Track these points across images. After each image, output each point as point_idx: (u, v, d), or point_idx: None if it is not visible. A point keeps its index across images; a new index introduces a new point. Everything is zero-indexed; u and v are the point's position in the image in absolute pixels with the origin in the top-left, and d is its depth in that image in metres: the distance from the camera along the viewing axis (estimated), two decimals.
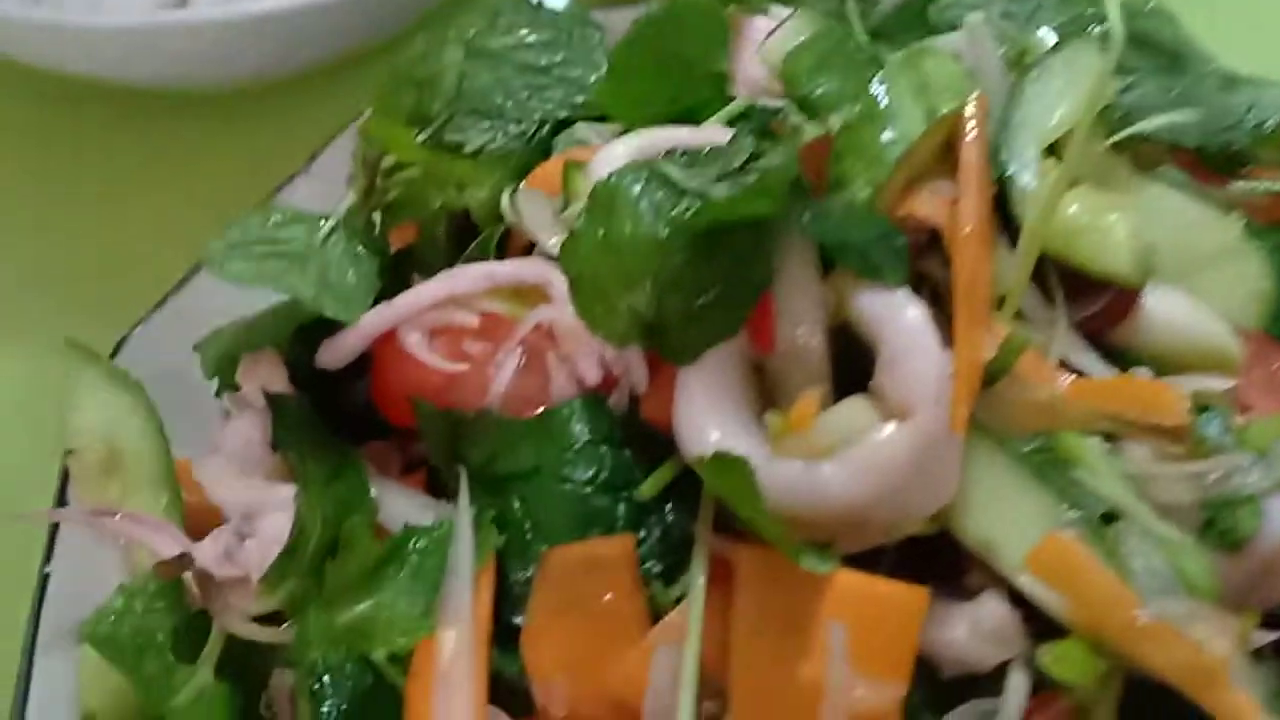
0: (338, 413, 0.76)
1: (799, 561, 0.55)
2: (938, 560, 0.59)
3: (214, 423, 0.80)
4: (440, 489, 0.71)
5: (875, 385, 0.58)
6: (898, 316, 0.58)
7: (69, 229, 1.06)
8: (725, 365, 0.61)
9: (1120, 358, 0.66)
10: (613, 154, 0.69)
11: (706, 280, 0.61)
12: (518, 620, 0.62)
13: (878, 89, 0.67)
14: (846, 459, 0.56)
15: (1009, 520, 0.58)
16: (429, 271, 0.75)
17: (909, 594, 0.56)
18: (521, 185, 0.75)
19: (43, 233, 1.06)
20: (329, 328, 0.74)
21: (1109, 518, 0.58)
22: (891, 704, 0.54)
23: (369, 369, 0.75)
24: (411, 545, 0.65)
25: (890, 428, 0.56)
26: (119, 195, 1.08)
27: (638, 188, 0.63)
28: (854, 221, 0.62)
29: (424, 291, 0.73)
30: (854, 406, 0.57)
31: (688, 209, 0.60)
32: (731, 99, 0.78)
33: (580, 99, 0.83)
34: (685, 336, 0.62)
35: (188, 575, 0.68)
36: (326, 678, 0.63)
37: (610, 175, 0.63)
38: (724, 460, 0.55)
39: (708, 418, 0.59)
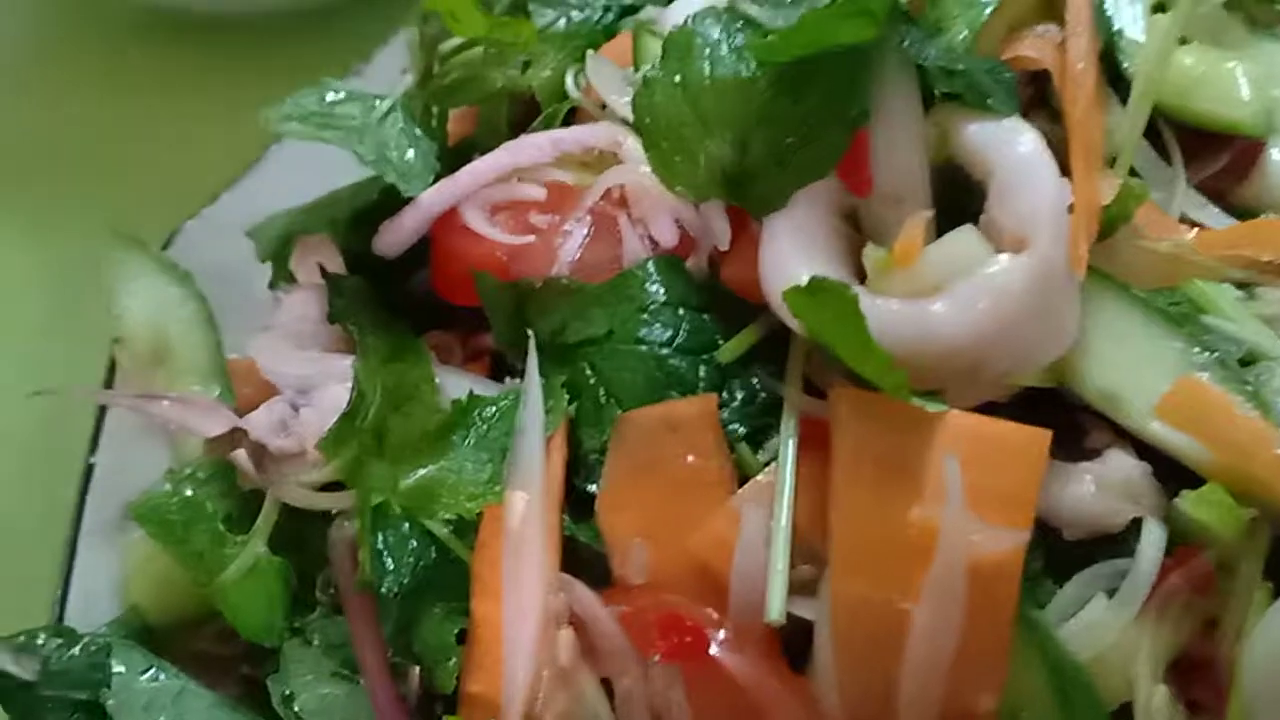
0: (396, 306, 0.72)
1: (907, 398, 0.50)
2: (1054, 423, 0.54)
3: (266, 316, 0.77)
4: (503, 376, 0.67)
5: (986, 220, 0.53)
6: (1012, 144, 0.53)
7: (129, 144, 1.07)
8: (815, 209, 0.56)
9: (1244, 216, 0.62)
10: (687, 4, 0.65)
11: (795, 120, 0.56)
12: (592, 488, 0.58)
13: None
14: (957, 295, 0.51)
15: (1135, 368, 0.53)
16: None
17: (1029, 434, 0.51)
18: (589, 53, 0.71)
19: (106, 149, 1.07)
20: (385, 215, 0.70)
21: (1246, 363, 0.53)
22: (1013, 553, 0.49)
23: (426, 260, 0.71)
24: (478, 412, 0.60)
25: (1005, 259, 0.51)
26: (173, 112, 1.08)
27: (717, 30, 0.59)
28: (958, 55, 0.57)
29: (486, 164, 0.69)
30: (965, 237, 0.52)
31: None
32: None
33: None
34: (771, 184, 0.57)
35: (239, 456, 0.64)
36: (387, 558, 0.58)
37: (686, 20, 0.60)
38: (822, 287, 0.50)
39: (796, 259, 0.54)
